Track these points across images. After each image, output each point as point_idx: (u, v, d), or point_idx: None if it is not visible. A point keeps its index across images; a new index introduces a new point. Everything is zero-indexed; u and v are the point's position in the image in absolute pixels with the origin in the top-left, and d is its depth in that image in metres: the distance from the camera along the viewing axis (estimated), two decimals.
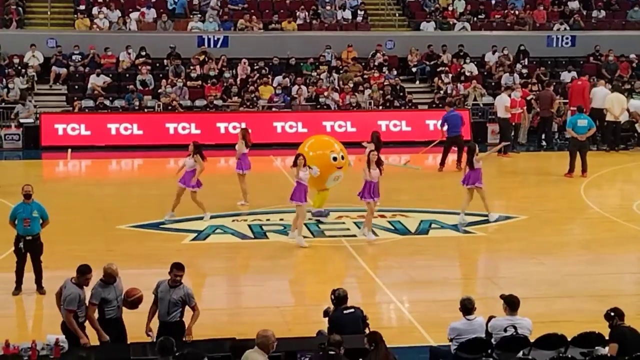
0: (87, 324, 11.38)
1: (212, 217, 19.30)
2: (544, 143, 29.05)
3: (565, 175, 24.27)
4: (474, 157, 19.05)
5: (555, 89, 31.11)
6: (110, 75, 31.01)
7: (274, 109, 29.97)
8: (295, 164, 17.63)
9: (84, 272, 11.37)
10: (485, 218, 19.55)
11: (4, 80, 29.70)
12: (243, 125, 24.01)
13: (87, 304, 11.32)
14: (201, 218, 19.27)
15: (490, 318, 11.25)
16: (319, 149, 19.40)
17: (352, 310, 11.35)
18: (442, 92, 31.61)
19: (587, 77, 30.88)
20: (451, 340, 11.01)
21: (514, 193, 23.15)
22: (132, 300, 11.53)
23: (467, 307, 11.04)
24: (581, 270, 16.55)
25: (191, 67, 31.34)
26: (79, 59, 31.55)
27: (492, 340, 10.96)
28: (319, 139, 20.65)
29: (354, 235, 18.30)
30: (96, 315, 11.40)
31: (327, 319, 11.42)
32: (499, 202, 22.14)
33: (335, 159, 19.15)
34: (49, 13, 33.57)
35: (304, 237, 17.86)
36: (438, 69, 32.60)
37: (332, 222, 19.26)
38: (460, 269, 17.47)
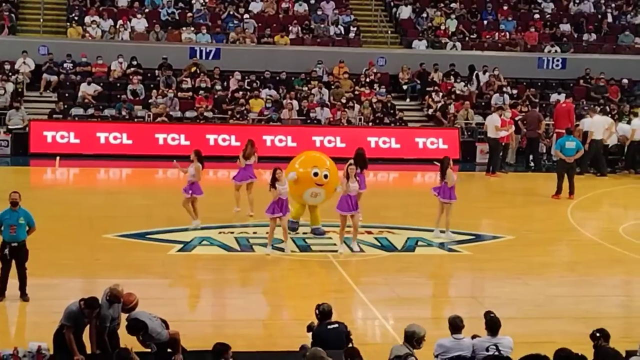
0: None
1: (200, 229, 19.31)
2: (532, 164, 29.13)
3: (553, 196, 24.33)
4: (447, 169, 19.03)
5: (544, 110, 31.25)
6: (101, 84, 30.99)
7: (263, 122, 30.01)
8: (275, 180, 17.62)
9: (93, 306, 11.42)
10: (473, 237, 19.59)
11: None
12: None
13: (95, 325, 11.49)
14: (185, 229, 19.25)
15: (473, 337, 11.25)
16: (307, 166, 19.17)
17: (336, 325, 11.34)
18: (432, 110, 31.70)
19: (571, 99, 31.00)
20: (436, 356, 11.00)
21: (501, 213, 23.18)
22: (131, 307, 11.57)
23: (457, 325, 11.02)
24: (566, 292, 16.57)
25: (182, 79, 31.36)
26: (71, 67, 31.54)
27: None
28: (310, 155, 20.36)
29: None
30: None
31: (310, 333, 11.40)
32: (486, 221, 22.22)
33: (316, 174, 18.86)
34: (41, 20, 33.55)
35: (292, 251, 17.93)
36: (428, 87, 32.71)
37: (318, 237, 19.24)
38: (445, 287, 17.46)
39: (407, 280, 16.91)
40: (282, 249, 17.98)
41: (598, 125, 28.05)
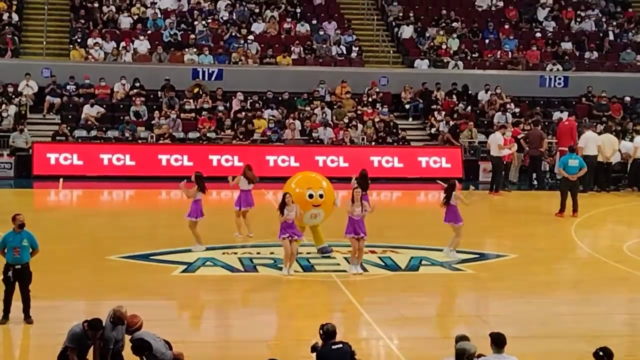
0: None
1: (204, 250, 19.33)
2: (535, 182, 29.13)
3: (556, 214, 24.31)
4: (452, 193, 19.07)
5: (547, 128, 31.28)
6: (104, 106, 31.07)
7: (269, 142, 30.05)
8: (284, 205, 17.64)
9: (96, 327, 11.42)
10: (477, 256, 19.59)
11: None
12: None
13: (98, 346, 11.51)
14: (189, 250, 19.25)
15: (478, 356, 11.20)
16: (303, 186, 19.06)
17: (341, 345, 11.31)
18: (434, 129, 31.75)
19: (574, 117, 31.02)
20: None
21: (505, 231, 23.15)
22: (135, 329, 11.56)
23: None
24: (570, 310, 16.54)
25: (185, 100, 31.44)
26: (74, 89, 31.62)
27: None
28: (306, 175, 20.11)
29: (344, 271, 18.27)
30: None
31: (315, 354, 11.37)
32: (489, 240, 22.18)
33: (311, 196, 18.75)
34: (44, 43, 33.69)
35: (295, 271, 17.95)
36: (431, 106, 32.76)
37: (322, 257, 19.22)
38: (450, 306, 17.43)
39: (411, 300, 16.87)
40: (280, 269, 17.99)
41: (590, 142, 28.00)
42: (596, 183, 28.44)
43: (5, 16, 33.54)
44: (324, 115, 31.54)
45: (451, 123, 31.43)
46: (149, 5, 35.26)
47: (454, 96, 33.22)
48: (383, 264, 18.94)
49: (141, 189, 27.24)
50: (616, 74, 35.76)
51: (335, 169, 27.87)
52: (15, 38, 33.13)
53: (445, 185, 20.18)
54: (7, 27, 33.09)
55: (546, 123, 32.12)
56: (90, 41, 33.15)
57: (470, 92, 33.50)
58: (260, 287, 17.47)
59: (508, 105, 32.75)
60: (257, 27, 35.37)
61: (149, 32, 34.37)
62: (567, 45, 36.86)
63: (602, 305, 17.07)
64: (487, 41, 36.73)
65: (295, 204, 17.86)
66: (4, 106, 29.88)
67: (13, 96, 30.64)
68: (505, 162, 28.05)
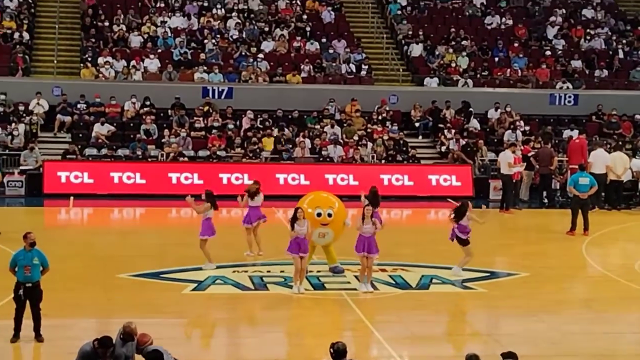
0: None
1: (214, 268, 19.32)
2: (545, 200, 29.07)
3: (567, 233, 24.25)
4: (466, 214, 19.05)
5: (557, 147, 31.24)
6: (115, 124, 31.16)
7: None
8: (295, 220, 17.64)
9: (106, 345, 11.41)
10: (488, 274, 19.54)
11: (8, 127, 29.88)
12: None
13: None
14: (200, 268, 19.24)
15: None
16: (313, 205, 18.98)
17: None
18: (444, 147, 31.75)
19: (584, 135, 30.98)
20: None
21: (515, 250, 23.09)
22: (144, 348, 11.54)
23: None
24: (582, 329, 16.46)
25: (195, 118, 31.52)
26: (84, 108, 31.73)
27: None
28: (318, 195, 20.06)
29: (355, 289, 18.22)
30: None
31: None
32: (500, 258, 22.12)
33: (319, 214, 18.70)
34: (55, 62, 33.84)
35: (306, 289, 17.93)
36: (441, 124, 32.76)
37: (332, 275, 19.19)
38: (461, 324, 17.36)
39: (422, 318, 16.83)
40: (290, 287, 17.97)
41: (599, 160, 27.94)
42: (607, 201, 28.36)
43: (17, 35, 33.72)
44: (334, 133, 31.55)
45: (461, 141, 31.41)
46: (159, 24, 35.41)
47: (462, 114, 33.24)
48: (394, 282, 18.90)
49: (151, 207, 27.27)
50: (626, 92, 35.75)
51: (346, 187, 27.85)
52: (26, 57, 33.28)
53: (456, 203, 20.14)
54: (18, 46, 33.27)
55: (556, 141, 32.08)
56: (100, 60, 33.29)
57: (471, 109, 33.45)
58: (271, 306, 17.43)
59: (518, 123, 32.74)
60: (267, 46, 35.48)
61: (159, 50, 34.50)
62: (577, 63, 36.87)
63: (613, 324, 16.97)
64: (496, 59, 36.77)
65: (306, 219, 17.84)
66: (14, 125, 29.99)
67: (24, 115, 30.76)
68: (515, 180, 28.01)
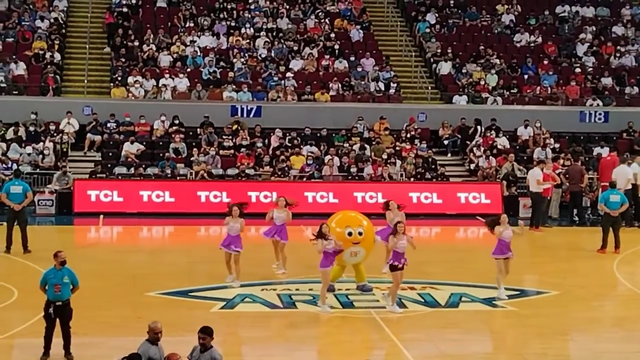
0: None
1: (241, 286, 19.31)
2: (576, 218, 28.88)
3: (598, 251, 24.08)
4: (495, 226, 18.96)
5: (587, 164, 31.05)
6: (144, 143, 31.33)
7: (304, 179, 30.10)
8: (320, 235, 17.64)
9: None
10: (518, 292, 19.43)
11: (40, 146, 30.13)
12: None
13: None
14: (228, 287, 19.26)
15: None
16: (342, 225, 18.99)
17: None
18: (473, 165, 31.65)
19: (615, 152, 30.76)
20: None
21: (545, 268, 22.94)
22: None
23: None
24: (613, 348, 16.30)
25: (224, 137, 31.62)
26: (114, 127, 31.94)
27: None
28: (346, 214, 20.04)
29: (383, 307, 18.17)
30: None
31: None
32: (530, 276, 21.98)
33: (350, 234, 18.71)
34: (85, 82, 34.10)
35: (331, 307, 17.85)
36: (470, 142, 32.66)
37: (361, 293, 19.14)
38: (490, 343, 17.26)
39: (451, 337, 16.74)
40: (316, 304, 17.96)
41: (620, 176, 27.61)
42: (637, 219, 28.08)
43: (48, 55, 34.04)
44: (363, 151, 31.52)
45: (491, 159, 31.27)
46: (188, 44, 35.61)
47: (492, 132, 33.12)
48: (423, 300, 18.83)
49: (180, 225, 27.34)
50: None
51: (374, 205, 27.79)
52: (57, 77, 33.57)
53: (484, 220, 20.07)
54: (49, 67, 33.58)
55: (586, 159, 31.90)
56: (130, 79, 33.50)
57: (480, 126, 33.23)
58: (299, 324, 17.41)
59: (547, 141, 32.59)
60: (296, 64, 35.58)
61: (189, 69, 34.68)
62: (607, 81, 36.67)
63: None
64: (526, 77, 36.65)
65: (332, 234, 17.83)
66: (45, 144, 30.23)
67: (55, 134, 31.00)
68: (545, 198, 27.82)
